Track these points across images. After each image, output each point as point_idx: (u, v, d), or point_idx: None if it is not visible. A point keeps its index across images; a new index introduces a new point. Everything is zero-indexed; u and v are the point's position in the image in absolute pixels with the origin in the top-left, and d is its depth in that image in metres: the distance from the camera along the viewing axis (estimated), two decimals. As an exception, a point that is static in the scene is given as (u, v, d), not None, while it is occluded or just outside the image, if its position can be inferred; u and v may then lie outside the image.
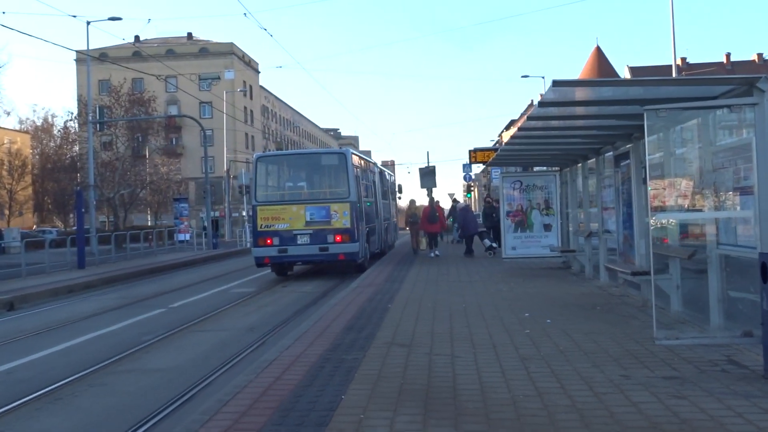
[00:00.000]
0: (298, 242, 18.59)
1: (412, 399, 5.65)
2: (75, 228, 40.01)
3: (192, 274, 22.29)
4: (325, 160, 20.29)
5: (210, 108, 71.18)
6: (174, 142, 73.18)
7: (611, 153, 11.40)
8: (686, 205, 7.93)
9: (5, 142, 63.01)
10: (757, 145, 6.05)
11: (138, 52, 68.47)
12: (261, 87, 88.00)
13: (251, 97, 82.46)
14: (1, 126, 64.34)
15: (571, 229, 15.50)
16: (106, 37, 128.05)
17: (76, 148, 50.98)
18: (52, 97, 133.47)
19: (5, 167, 59.97)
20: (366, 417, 5.26)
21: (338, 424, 5.14)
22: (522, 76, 51.59)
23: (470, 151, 28.50)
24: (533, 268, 16.47)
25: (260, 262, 18.90)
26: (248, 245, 38.17)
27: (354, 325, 9.25)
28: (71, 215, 54.51)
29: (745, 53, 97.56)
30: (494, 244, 21.54)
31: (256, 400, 5.80)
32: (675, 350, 7.03)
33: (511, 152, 14.33)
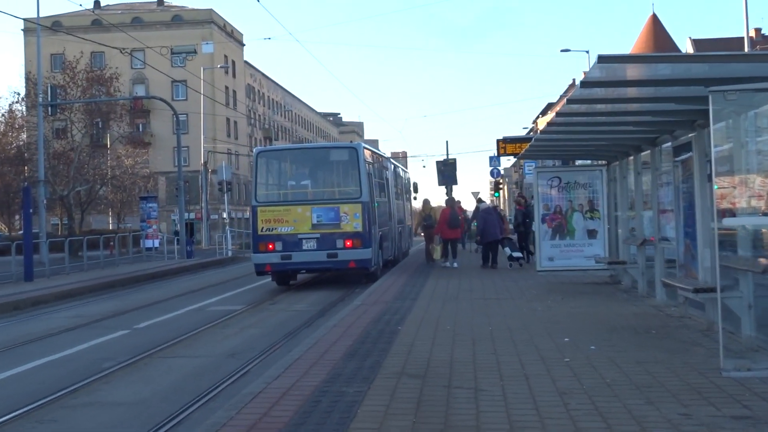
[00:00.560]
0: (304, 248, 19.44)
1: (426, 441, 5.66)
2: (21, 232, 40.17)
3: (162, 289, 22.38)
4: (334, 156, 21.06)
5: (184, 88, 71.47)
6: (141, 129, 73.57)
7: (669, 144, 11.37)
8: (762, 208, 7.90)
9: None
10: None
11: (98, 20, 68.77)
12: (246, 63, 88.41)
13: (234, 75, 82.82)
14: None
15: (620, 235, 15.47)
16: (61, 3, 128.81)
17: (24, 135, 51.22)
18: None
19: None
20: (370, 463, 5.28)
21: (337, 471, 5.16)
22: (562, 51, 51.55)
23: (499, 141, 28.46)
24: (574, 282, 16.46)
25: (260, 270, 19.76)
26: (229, 253, 38.36)
27: (357, 350, 9.26)
28: (17, 217, 54.80)
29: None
30: (519, 255, 21.58)
31: (238, 442, 5.82)
32: (746, 384, 6.99)
33: (548, 142, 14.33)
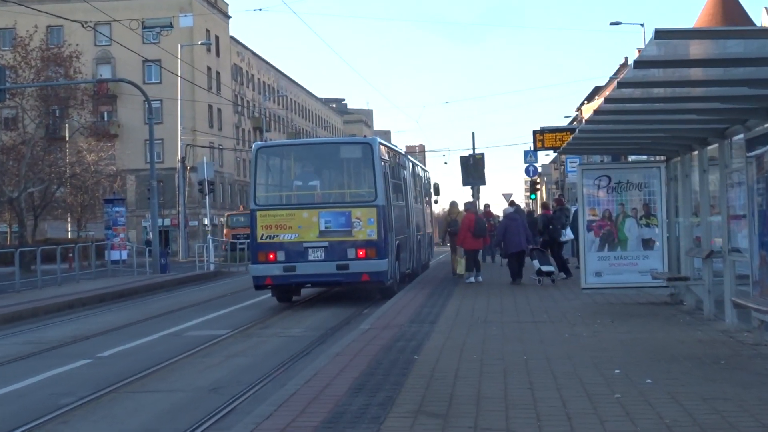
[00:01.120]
0: (310, 258, 20.02)
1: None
2: (-37, 242, 40.36)
3: (131, 310, 22.46)
4: (345, 152, 21.58)
5: (158, 69, 71.79)
6: (106, 119, 73.94)
7: (741, 136, 11.34)
8: None
9: None
10: None
11: (55, -12, 69.17)
12: (232, 39, 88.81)
13: (218, 54, 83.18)
14: None
15: (682, 246, 15.42)
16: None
17: (-34, 126, 51.56)
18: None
19: None
20: None
21: None
22: (611, 24, 51.33)
23: (535, 133, 28.47)
24: (626, 303, 16.44)
25: (260, 284, 20.40)
26: (212, 267, 38.48)
27: (365, 384, 9.27)
28: (-42, 223, 55.14)
29: None
30: (551, 268, 21.59)
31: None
32: (836, 426, 6.95)
33: (595, 134, 14.32)
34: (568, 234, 23.36)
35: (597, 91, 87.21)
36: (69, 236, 60.09)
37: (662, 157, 16.63)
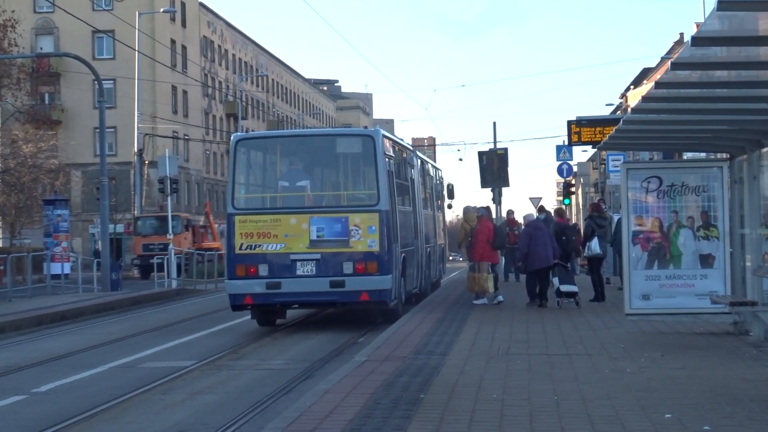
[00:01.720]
0: (298, 272, 20.11)
1: None
2: None
3: (75, 335, 22.45)
4: (342, 146, 21.69)
5: (111, 42, 71.84)
6: (47, 102, 74.03)
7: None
8: None
9: None
10: None
11: (-13, -58, 69.26)
12: (202, 6, 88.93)
13: (184, 24, 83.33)
14: None
15: (749, 264, 15.39)
16: None
17: None
18: None
19: None
20: None
21: None
22: (664, -9, 51.44)
23: (571, 124, 28.49)
24: (680, 332, 16.42)
25: (237, 303, 20.52)
26: (174, 284, 38.47)
27: (359, 429, 9.26)
28: None
29: None
30: (573, 288, 21.60)
31: None
32: None
33: (644, 125, 14.32)
34: (593, 247, 23.21)
35: (646, 73, 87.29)
36: (0, 244, 60.04)
37: (725, 155, 16.61)
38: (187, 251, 46.25)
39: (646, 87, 75.06)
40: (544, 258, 21.83)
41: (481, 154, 37.05)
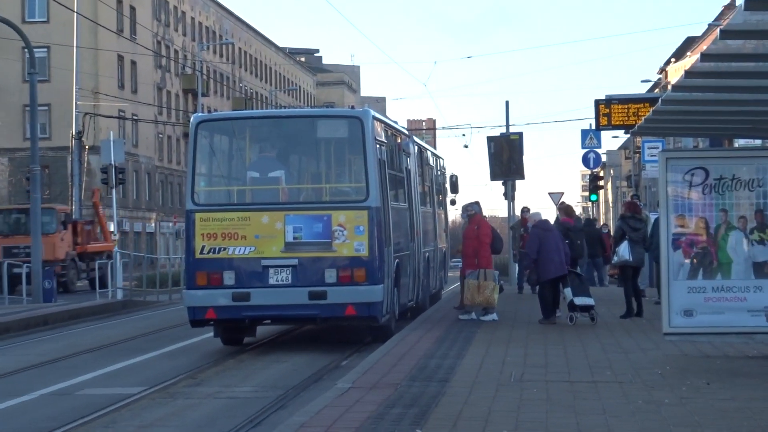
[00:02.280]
0: (271, 281, 20.21)
1: None
2: None
3: None
4: (324, 130, 21.70)
5: (45, 2, 71.73)
6: (-33, 73, 73.73)
7: None
8: None
9: None
10: None
11: None
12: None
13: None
14: None
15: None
16: None
17: None
18: None
19: None
20: None
21: None
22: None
23: (599, 104, 28.46)
24: (730, 356, 16.44)
25: (198, 318, 20.54)
26: (119, 294, 38.37)
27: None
28: None
29: None
30: (589, 301, 21.67)
31: None
32: None
33: (687, 106, 14.33)
34: (621, 253, 23.19)
35: (690, 44, 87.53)
36: None
37: (784, 143, 16.64)
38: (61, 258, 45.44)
39: (690, 60, 75.18)
40: (558, 264, 21.87)
41: (490, 139, 37.00)
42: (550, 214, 34.79)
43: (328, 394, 13.46)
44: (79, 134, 57.13)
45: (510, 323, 22.27)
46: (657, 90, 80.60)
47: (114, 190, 45.05)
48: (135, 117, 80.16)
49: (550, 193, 47.75)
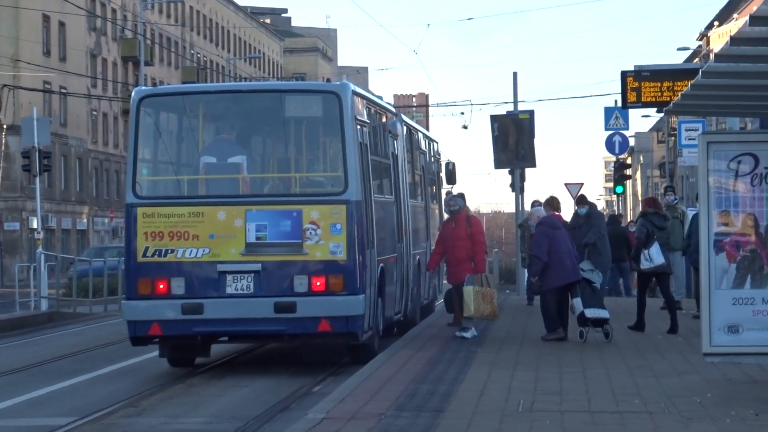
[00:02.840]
0: (229, 290, 20.20)
1: None
2: None
3: None
4: (293, 107, 21.61)
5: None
6: None
7: None
8: None
9: None
10: None
11: None
12: None
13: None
14: None
15: None
16: None
17: None
18: None
19: None
20: None
21: None
22: None
23: (626, 76, 28.52)
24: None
25: (140, 334, 20.45)
26: (44, 305, 38.30)
27: None
28: None
29: None
30: (604, 314, 21.80)
31: None
32: None
33: (732, 79, 14.35)
34: (653, 257, 23.32)
35: (736, 3, 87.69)
36: None
37: None
38: None
39: (737, 23, 75.36)
40: (570, 270, 21.97)
41: (494, 119, 36.99)
42: (567, 210, 34.87)
43: (297, 426, 13.50)
44: (-4, 111, 57.07)
45: (518, 341, 22.33)
46: (696, 60, 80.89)
47: (38, 179, 44.98)
48: (63, 90, 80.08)
49: (566, 184, 47.74)
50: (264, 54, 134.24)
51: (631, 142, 58.19)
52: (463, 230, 22.90)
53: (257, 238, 20.04)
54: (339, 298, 19.95)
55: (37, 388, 20.14)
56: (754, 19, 10.72)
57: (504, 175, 39.53)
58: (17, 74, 69.52)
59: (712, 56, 14.59)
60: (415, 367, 18.47)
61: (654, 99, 28.26)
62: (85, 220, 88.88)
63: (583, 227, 26.36)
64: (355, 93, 21.38)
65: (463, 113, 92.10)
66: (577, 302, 21.86)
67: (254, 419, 16.35)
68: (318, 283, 19.94)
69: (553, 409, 14.36)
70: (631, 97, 28.58)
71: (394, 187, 24.81)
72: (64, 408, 17.85)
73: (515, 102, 44.53)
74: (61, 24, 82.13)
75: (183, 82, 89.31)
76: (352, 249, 20.04)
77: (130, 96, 21.85)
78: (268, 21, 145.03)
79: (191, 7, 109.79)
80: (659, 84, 28.09)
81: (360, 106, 21.77)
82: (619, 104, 35.08)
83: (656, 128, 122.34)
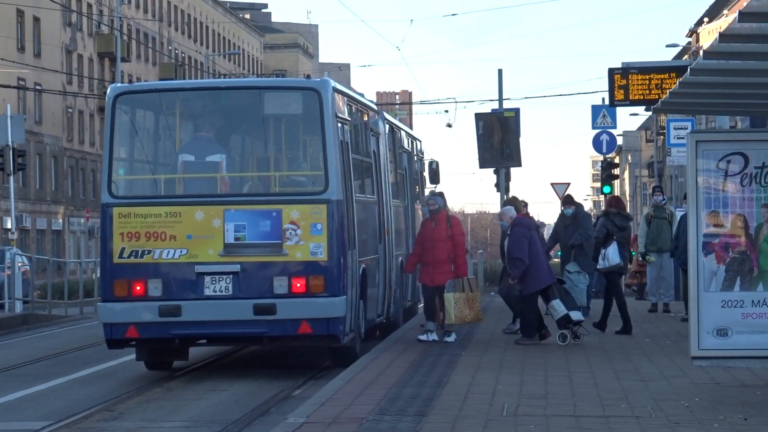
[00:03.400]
0: (207, 292, 20.18)
1: None
2: None
3: None
4: (273, 104, 21.59)
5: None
6: None
7: None
8: None
9: None
10: None
11: None
12: None
13: None
14: None
15: None
16: None
17: None
18: None
19: None
20: None
21: None
22: None
23: (613, 74, 28.58)
24: (772, 384, 16.49)
25: (116, 337, 20.39)
26: (18, 307, 38.24)
27: None
28: None
29: None
30: (580, 316, 21.90)
31: None
32: None
33: (722, 77, 14.39)
34: (610, 256, 23.53)
35: (724, 1, 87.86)
36: None
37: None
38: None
39: (727, 20, 75.54)
40: (547, 272, 22.08)
41: (479, 117, 37.02)
42: (554, 210, 34.86)
43: (276, 431, 13.49)
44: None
45: (503, 344, 22.34)
46: (685, 57, 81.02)
47: (12, 178, 44.95)
48: (38, 87, 79.95)
49: (553, 184, 47.81)
50: (243, 50, 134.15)
51: (619, 141, 58.30)
52: (444, 231, 22.87)
53: (236, 239, 20.01)
54: (320, 300, 19.93)
55: (11, 391, 20.08)
56: (743, 16, 10.74)
57: (489, 175, 39.61)
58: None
59: (701, 53, 14.61)
60: (398, 371, 18.47)
61: (642, 97, 28.30)
62: (60, 220, 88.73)
63: (570, 228, 26.39)
64: (336, 90, 21.35)
65: (447, 111, 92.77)
66: (557, 305, 21.87)
67: (233, 423, 16.33)
68: (298, 285, 19.92)
69: (538, 414, 14.35)
70: (619, 94, 28.62)
71: (376, 186, 24.81)
72: (39, 412, 17.83)
73: (500, 100, 44.64)
74: (36, 19, 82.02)
75: (160, 79, 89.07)
76: (333, 250, 20.03)
77: (106, 93, 21.81)
78: (247, 16, 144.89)
79: (169, 2, 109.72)
80: (647, 81, 28.13)
81: (341, 104, 21.74)
82: (607, 102, 35.13)
83: (645, 127, 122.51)
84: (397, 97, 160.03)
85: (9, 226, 52.35)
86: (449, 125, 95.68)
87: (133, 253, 20.08)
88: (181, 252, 20.06)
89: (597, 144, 43.44)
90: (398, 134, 29.74)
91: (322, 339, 20.45)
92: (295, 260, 20.03)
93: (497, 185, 38.36)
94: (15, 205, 49.79)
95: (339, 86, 22.10)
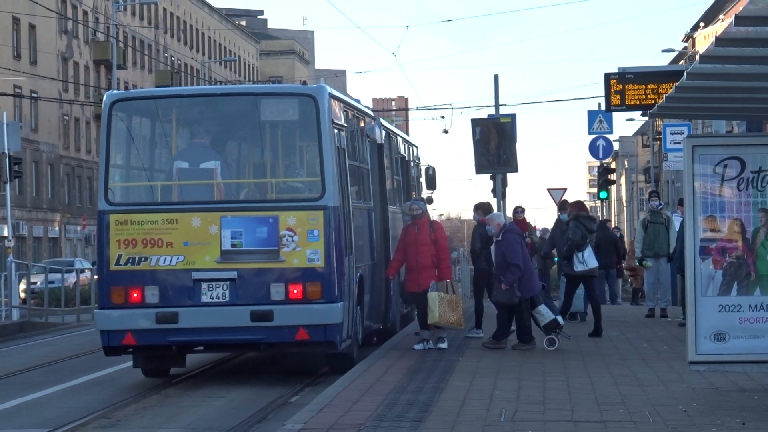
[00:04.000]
0: (204, 299, 20.19)
1: None
2: None
3: None
4: (269, 111, 21.55)
5: None
6: None
7: None
8: None
9: None
10: None
11: None
12: None
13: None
14: None
15: None
16: None
17: None
18: None
19: None
20: None
21: None
22: None
23: (609, 78, 28.54)
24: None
25: (113, 344, 20.37)
26: (15, 314, 38.14)
27: None
28: None
29: None
30: (557, 318, 22.15)
31: None
32: None
33: (717, 81, 14.37)
34: (587, 259, 23.69)
35: (722, 4, 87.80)
36: None
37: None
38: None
39: (723, 24, 75.45)
40: (537, 279, 22.15)
41: (475, 123, 36.92)
42: (550, 215, 34.85)
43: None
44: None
45: (499, 352, 22.28)
46: (682, 62, 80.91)
47: (8, 186, 44.85)
48: (34, 95, 79.87)
49: (549, 190, 47.69)
50: (239, 57, 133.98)
51: (616, 146, 58.25)
52: (427, 235, 22.84)
53: (233, 245, 20.01)
54: (317, 306, 19.95)
55: (7, 399, 20.07)
56: (739, 20, 10.73)
57: (486, 181, 39.39)
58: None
59: (697, 57, 14.59)
60: (395, 377, 18.47)
61: (638, 102, 28.23)
62: (57, 228, 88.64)
63: (566, 233, 26.42)
64: (332, 96, 21.36)
65: (443, 117, 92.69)
66: (544, 310, 21.87)
67: (231, 430, 16.35)
68: (295, 291, 19.92)
69: (536, 419, 14.37)
70: (615, 100, 28.54)
71: (373, 192, 24.82)
72: (35, 420, 17.81)
73: (497, 105, 44.48)
74: (32, 27, 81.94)
75: (156, 86, 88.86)
76: (330, 256, 20.04)
77: (102, 100, 21.78)
78: (243, 23, 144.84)
79: (165, 9, 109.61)
80: (643, 86, 28.06)
81: (337, 110, 21.74)
82: (603, 107, 35.06)
83: (641, 132, 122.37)
84: (394, 103, 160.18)
85: (5, 233, 52.18)
86: (446, 131, 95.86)
87: (130, 260, 20.08)
88: (177, 259, 20.07)
89: (593, 149, 43.39)
90: (395, 140, 29.72)
91: (320, 345, 20.45)
92: (292, 267, 20.04)
93: (494, 191, 38.24)
94: (11, 212, 49.72)
95: (335, 92, 22.12)
